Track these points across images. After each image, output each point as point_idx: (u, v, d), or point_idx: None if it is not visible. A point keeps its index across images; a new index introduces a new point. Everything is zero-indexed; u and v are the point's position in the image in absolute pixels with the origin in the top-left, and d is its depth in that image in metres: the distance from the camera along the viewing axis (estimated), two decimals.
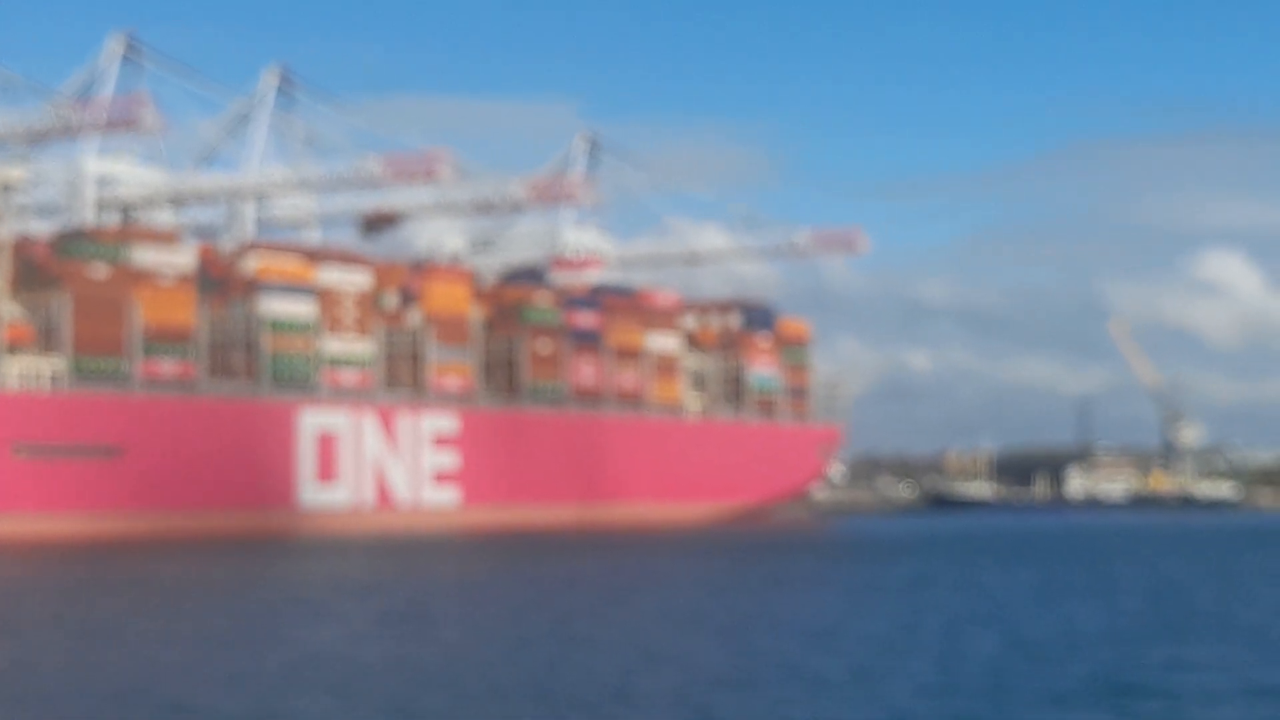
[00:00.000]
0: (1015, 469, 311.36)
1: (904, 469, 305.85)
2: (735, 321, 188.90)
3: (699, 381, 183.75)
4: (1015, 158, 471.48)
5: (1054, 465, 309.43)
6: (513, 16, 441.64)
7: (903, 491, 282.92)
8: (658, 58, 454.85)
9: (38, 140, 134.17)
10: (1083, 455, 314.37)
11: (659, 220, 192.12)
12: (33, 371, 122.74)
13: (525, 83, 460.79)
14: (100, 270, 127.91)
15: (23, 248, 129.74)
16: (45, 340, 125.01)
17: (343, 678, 42.80)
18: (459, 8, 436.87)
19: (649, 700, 39.51)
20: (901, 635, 53.26)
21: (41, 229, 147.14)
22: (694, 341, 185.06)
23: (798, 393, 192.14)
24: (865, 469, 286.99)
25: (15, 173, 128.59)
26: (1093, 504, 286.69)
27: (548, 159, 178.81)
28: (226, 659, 46.57)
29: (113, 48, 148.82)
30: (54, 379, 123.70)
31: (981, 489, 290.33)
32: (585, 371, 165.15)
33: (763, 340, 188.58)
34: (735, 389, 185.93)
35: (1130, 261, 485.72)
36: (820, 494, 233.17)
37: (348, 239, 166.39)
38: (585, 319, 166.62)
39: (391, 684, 41.59)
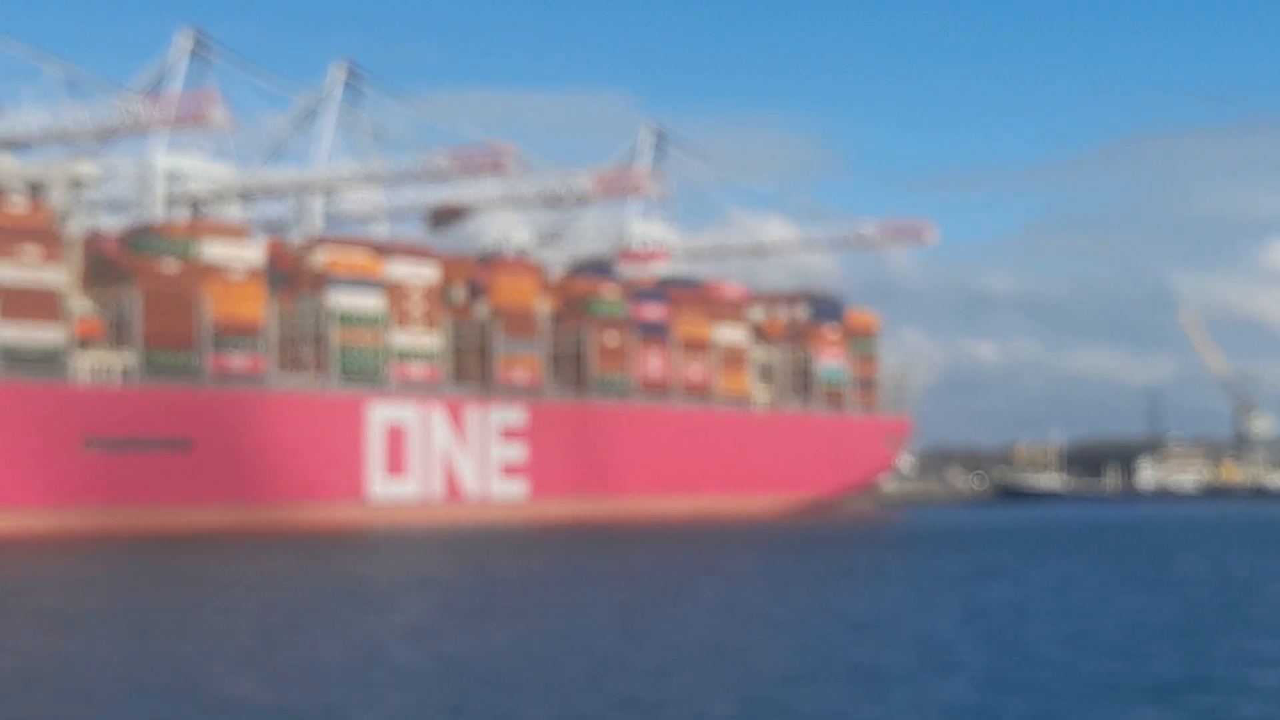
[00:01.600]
0: (1085, 460, 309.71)
1: (973, 460, 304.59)
2: (803, 313, 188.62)
3: (766, 373, 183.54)
4: (1075, 149, 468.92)
5: (1124, 456, 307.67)
6: (573, 9, 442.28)
7: (972, 483, 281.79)
8: (717, 49, 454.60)
9: (108, 136, 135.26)
10: (1153, 446, 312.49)
11: (723, 212, 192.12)
12: (104, 366, 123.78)
13: (584, 75, 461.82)
14: (170, 265, 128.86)
15: (94, 243, 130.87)
16: (116, 335, 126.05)
17: (402, 672, 42.98)
18: (519, 2, 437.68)
19: (713, 695, 39.48)
20: (970, 629, 53.06)
21: (112, 224, 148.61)
22: (761, 333, 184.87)
23: (866, 384, 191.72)
24: (934, 460, 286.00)
25: (86, 169, 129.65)
26: (1164, 495, 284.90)
27: (609, 151, 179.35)
28: (286, 652, 46.88)
29: (181, 44, 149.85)
30: (125, 373, 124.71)
31: (1052, 480, 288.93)
32: (652, 364, 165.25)
33: (831, 332, 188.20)
34: (803, 381, 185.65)
35: (1192, 251, 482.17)
36: (889, 486, 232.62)
37: (415, 233, 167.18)
38: (652, 311, 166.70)
39: (450, 678, 41.75)
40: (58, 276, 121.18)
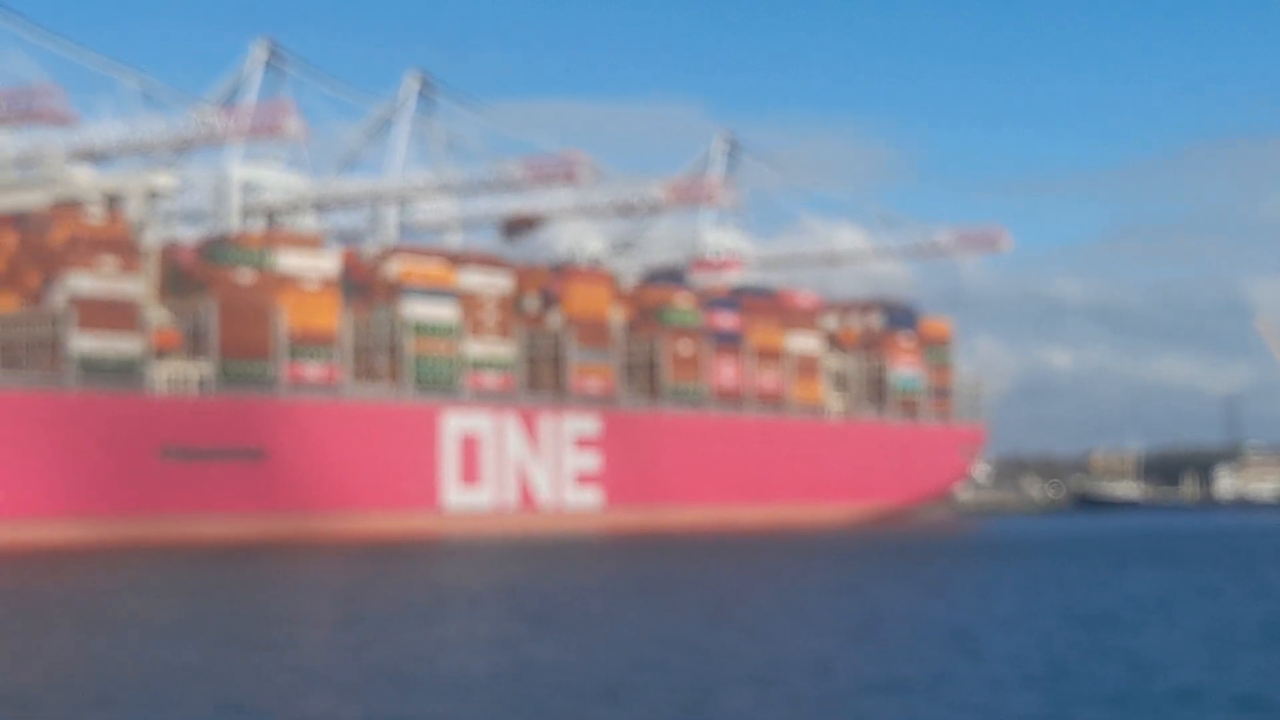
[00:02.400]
0: (1162, 468, 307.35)
1: (1048, 469, 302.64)
2: (877, 321, 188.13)
3: (840, 382, 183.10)
4: (1149, 154, 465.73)
5: (1202, 465, 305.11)
6: (640, 19, 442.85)
7: (1048, 492, 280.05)
8: (787, 58, 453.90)
9: (184, 148, 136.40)
10: (1232, 455, 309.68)
11: (795, 220, 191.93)
12: (181, 375, 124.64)
13: (656, 85, 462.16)
14: (246, 275, 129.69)
15: (170, 254, 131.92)
16: (192, 345, 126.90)
17: (469, 681, 42.97)
18: (588, 12, 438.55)
19: (787, 706, 39.28)
20: (1047, 640, 52.68)
21: (188, 235, 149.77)
22: (835, 342, 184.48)
23: (940, 393, 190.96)
24: (1009, 469, 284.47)
25: (163, 180, 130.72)
26: (1243, 504, 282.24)
27: (680, 160, 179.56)
28: (349, 662, 46.95)
29: (256, 55, 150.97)
30: (201, 383, 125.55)
31: (1129, 489, 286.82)
32: (726, 372, 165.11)
33: (905, 340, 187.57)
34: (877, 389, 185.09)
35: (1270, 257, 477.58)
36: (964, 494, 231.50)
37: (488, 242, 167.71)
38: (726, 320, 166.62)
39: (514, 687, 41.67)
40: (135, 287, 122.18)
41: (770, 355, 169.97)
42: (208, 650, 49.17)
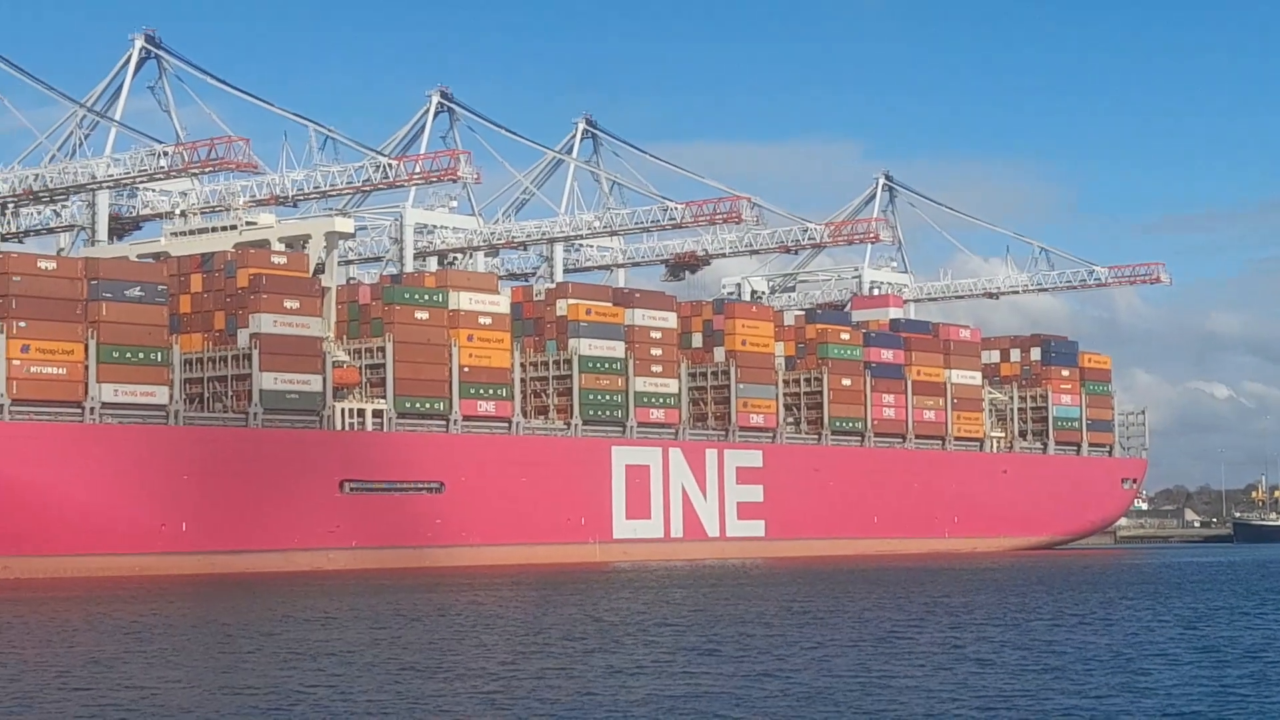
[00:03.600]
0: None
1: (1210, 500, 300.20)
2: (1036, 355, 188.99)
3: (1001, 415, 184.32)
4: None
5: None
6: (797, 62, 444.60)
7: (1210, 523, 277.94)
8: (940, 97, 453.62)
9: (363, 193, 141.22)
10: None
11: (952, 256, 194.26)
12: (360, 411, 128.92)
13: (811, 126, 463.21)
14: (422, 314, 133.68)
15: (349, 294, 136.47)
16: (371, 382, 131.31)
17: (638, 708, 45.37)
18: (745, 56, 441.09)
19: None
20: (1212, 673, 54.05)
21: (367, 276, 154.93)
22: (994, 375, 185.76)
23: (1100, 425, 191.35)
24: (1170, 500, 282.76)
25: (342, 224, 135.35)
26: None
27: (837, 198, 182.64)
28: (503, 692, 49.55)
29: (430, 104, 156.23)
30: (379, 419, 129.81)
31: None
32: (887, 406, 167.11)
33: (1065, 374, 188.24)
34: (1038, 423, 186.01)
35: None
36: (1125, 527, 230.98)
37: (654, 281, 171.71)
38: (886, 354, 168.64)
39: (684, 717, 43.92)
40: (316, 327, 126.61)
41: (931, 389, 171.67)
42: (387, 680, 52.12)
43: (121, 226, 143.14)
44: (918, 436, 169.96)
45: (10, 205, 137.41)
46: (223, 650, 60.21)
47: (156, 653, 59.31)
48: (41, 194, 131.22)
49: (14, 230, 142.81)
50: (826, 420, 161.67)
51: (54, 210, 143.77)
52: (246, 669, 53.63)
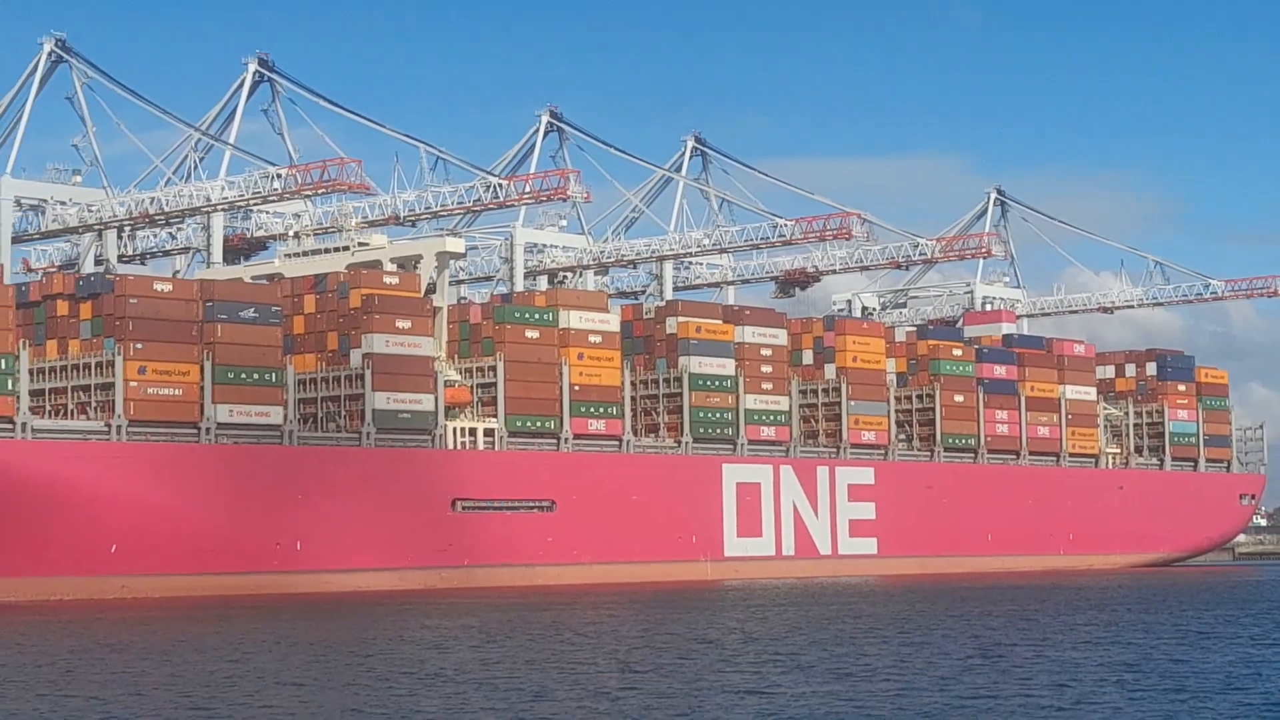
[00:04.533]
0: None
1: None
2: (1152, 370, 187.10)
3: (1116, 431, 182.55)
4: None
5: None
6: (904, 77, 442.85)
7: None
8: (1051, 113, 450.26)
9: (473, 213, 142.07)
10: None
11: (1064, 271, 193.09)
12: (471, 430, 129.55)
13: (918, 141, 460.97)
14: (532, 333, 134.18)
15: (460, 313, 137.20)
16: (482, 401, 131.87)
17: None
18: (852, 72, 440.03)
19: None
20: None
21: (478, 295, 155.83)
22: (1109, 391, 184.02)
23: (1217, 441, 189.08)
24: None
25: (453, 244, 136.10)
26: None
27: (946, 213, 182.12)
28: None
29: (539, 124, 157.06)
30: (491, 437, 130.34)
31: None
32: (1000, 422, 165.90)
33: (1181, 389, 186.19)
34: (1154, 438, 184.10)
35: None
36: (1244, 543, 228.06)
37: (764, 298, 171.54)
38: (999, 370, 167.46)
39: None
40: (428, 346, 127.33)
41: (1045, 405, 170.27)
42: (496, 700, 52.31)
43: (250, 246, 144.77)
44: (1031, 453, 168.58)
45: (127, 228, 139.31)
46: (328, 669, 60.59)
47: (268, 672, 59.77)
48: (158, 217, 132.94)
49: (131, 253, 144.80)
50: (939, 437, 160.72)
51: (170, 233, 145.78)
52: (356, 688, 53.94)
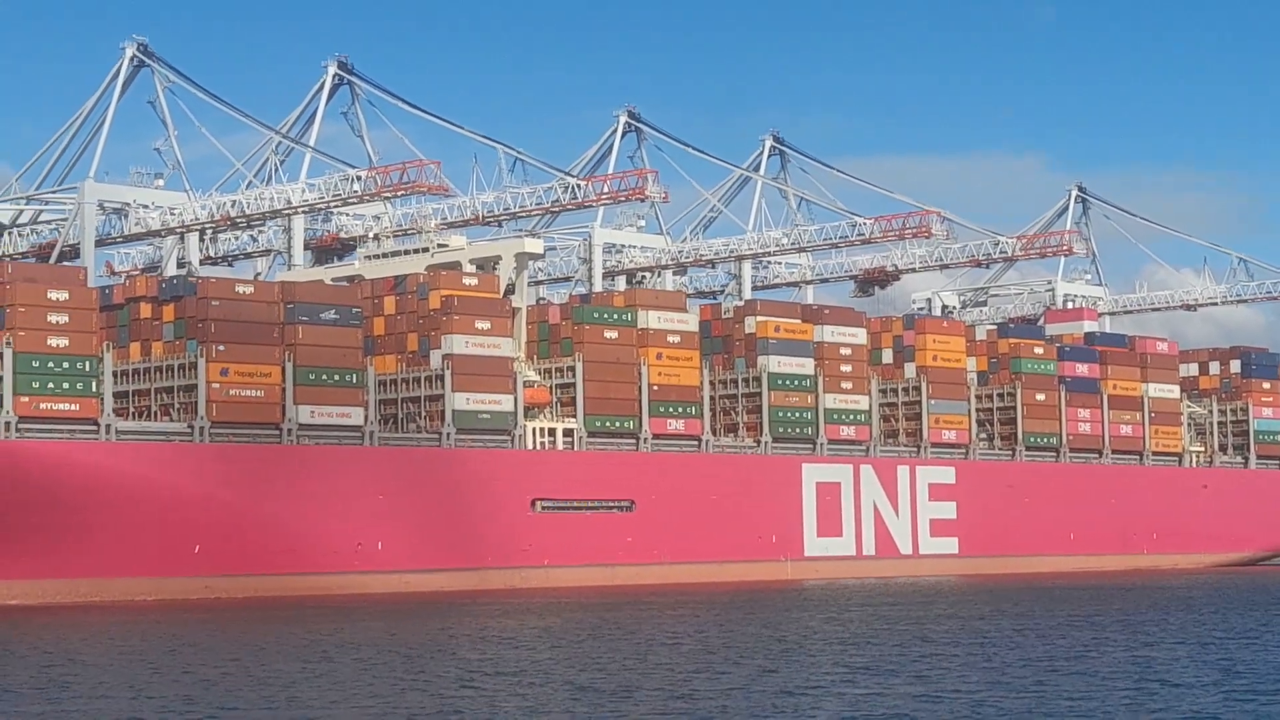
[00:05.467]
0: None
1: None
2: (1236, 368, 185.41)
3: (1199, 429, 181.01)
4: None
5: None
6: (979, 75, 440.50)
7: None
8: (1123, 106, 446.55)
9: (552, 214, 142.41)
10: None
11: (1146, 268, 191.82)
12: (550, 431, 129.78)
13: (995, 139, 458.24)
14: (611, 334, 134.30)
15: (539, 314, 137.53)
16: (561, 401, 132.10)
17: None
18: (927, 70, 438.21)
19: None
20: None
21: (556, 296, 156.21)
22: (1193, 389, 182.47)
23: None
24: None
25: (532, 244, 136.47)
26: None
27: (1023, 211, 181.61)
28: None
29: (617, 125, 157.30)
30: (570, 438, 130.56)
31: None
32: (1082, 421, 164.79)
33: (1266, 386, 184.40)
34: (1238, 436, 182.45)
35: None
36: None
37: (843, 297, 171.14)
38: (1081, 368, 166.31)
39: None
40: (508, 347, 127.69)
41: (1127, 403, 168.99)
42: (568, 700, 52.43)
43: (343, 247, 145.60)
44: (1114, 452, 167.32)
45: (209, 231, 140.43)
46: (408, 670, 60.84)
47: (343, 674, 60.05)
48: (239, 220, 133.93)
49: (212, 256, 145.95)
50: (1020, 436, 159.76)
51: (251, 236, 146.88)
52: (430, 690, 54.14)
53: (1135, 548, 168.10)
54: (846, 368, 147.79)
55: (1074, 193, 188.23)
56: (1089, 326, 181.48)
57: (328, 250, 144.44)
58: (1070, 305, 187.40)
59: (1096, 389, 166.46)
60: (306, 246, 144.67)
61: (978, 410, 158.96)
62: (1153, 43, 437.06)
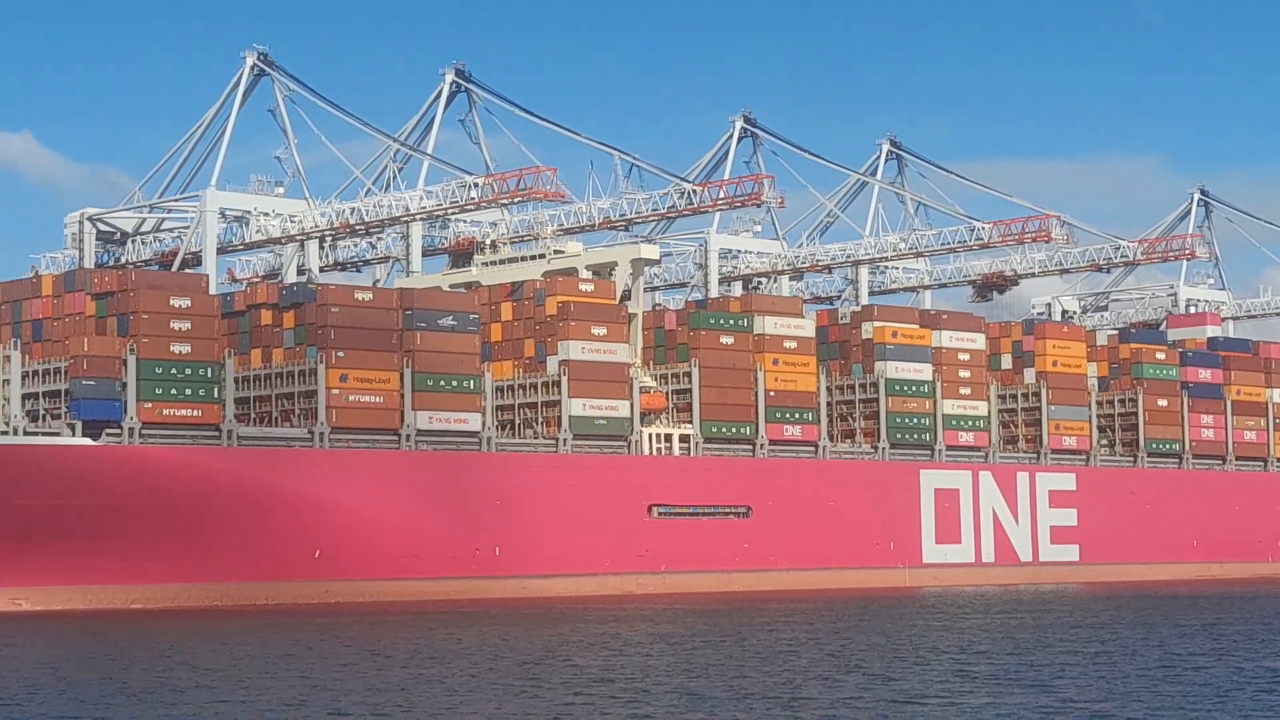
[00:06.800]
0: None
1: None
2: None
3: None
4: None
5: None
6: (1094, 77, 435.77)
7: None
8: (1244, 107, 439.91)
9: (668, 220, 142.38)
10: None
11: (1266, 271, 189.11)
12: (667, 436, 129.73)
13: (1112, 142, 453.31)
14: (727, 339, 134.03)
15: (655, 320, 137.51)
16: (678, 406, 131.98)
17: None
18: (1044, 74, 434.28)
19: None
20: None
21: (672, 302, 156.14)
22: None
23: None
24: None
25: (648, 250, 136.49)
26: None
27: (1143, 214, 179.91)
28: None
29: (734, 130, 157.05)
30: (686, 443, 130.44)
31: None
32: (1205, 427, 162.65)
33: None
34: None
35: None
36: None
37: (960, 302, 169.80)
38: (1204, 374, 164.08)
39: None
40: (624, 353, 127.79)
41: (1252, 409, 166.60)
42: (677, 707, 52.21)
43: (471, 252, 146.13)
44: (1238, 458, 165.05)
45: (328, 239, 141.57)
46: (519, 676, 60.92)
47: (458, 684, 60.26)
48: (358, 227, 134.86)
49: (332, 263, 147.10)
50: (1142, 442, 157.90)
51: (370, 243, 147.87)
52: (541, 696, 54.20)
53: (1260, 555, 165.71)
54: (965, 373, 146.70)
55: (1196, 196, 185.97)
56: (1212, 331, 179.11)
57: (464, 255, 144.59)
58: (1193, 310, 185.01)
59: (1220, 394, 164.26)
60: (440, 251, 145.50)
61: (1098, 416, 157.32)
62: (1265, 42, 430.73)
